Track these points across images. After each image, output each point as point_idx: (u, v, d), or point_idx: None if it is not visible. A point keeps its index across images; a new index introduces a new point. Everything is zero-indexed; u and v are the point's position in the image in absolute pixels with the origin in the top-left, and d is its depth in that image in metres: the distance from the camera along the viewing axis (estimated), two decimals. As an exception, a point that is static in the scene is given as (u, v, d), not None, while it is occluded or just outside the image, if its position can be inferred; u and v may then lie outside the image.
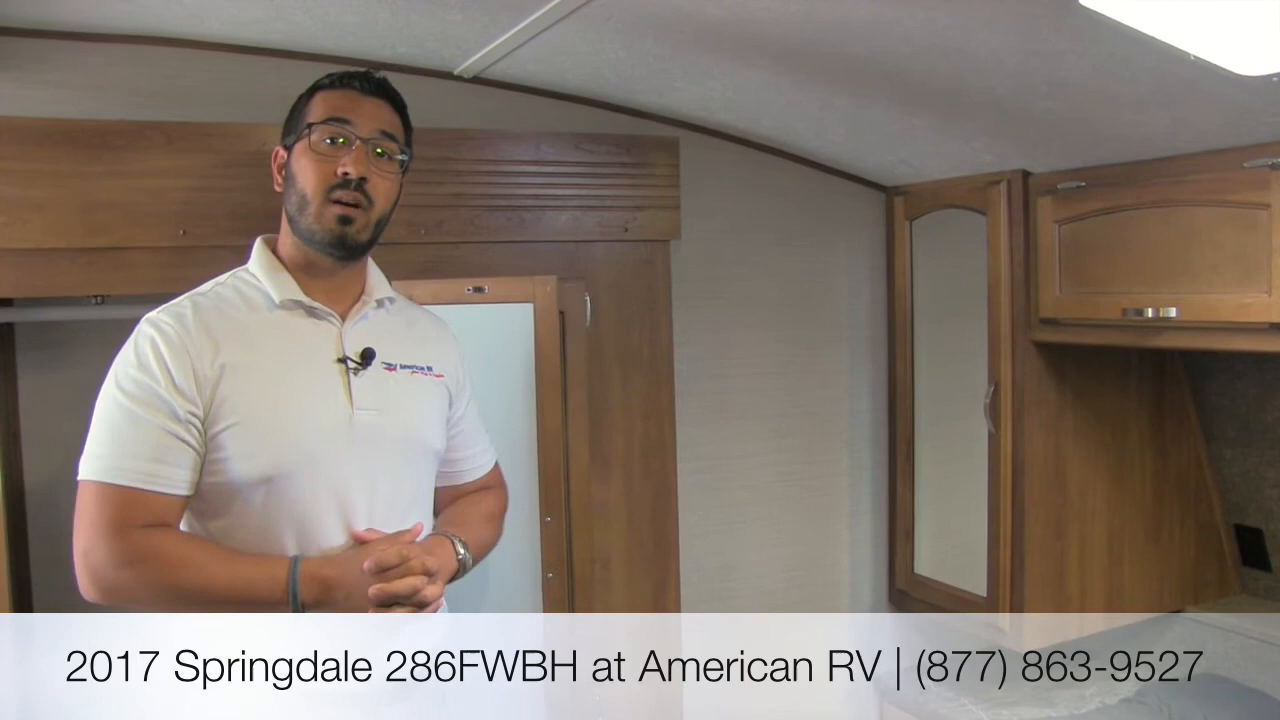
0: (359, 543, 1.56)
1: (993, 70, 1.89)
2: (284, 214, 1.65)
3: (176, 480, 1.48)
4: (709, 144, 2.77)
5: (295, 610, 1.48)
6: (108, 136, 1.97)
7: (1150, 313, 2.13)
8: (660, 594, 2.51)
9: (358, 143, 1.60)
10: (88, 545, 1.45)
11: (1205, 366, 2.72)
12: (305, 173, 1.59)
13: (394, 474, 1.63)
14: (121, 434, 1.47)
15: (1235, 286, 1.98)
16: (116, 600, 1.46)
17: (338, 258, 1.63)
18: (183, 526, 1.55)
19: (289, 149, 1.64)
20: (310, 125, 1.61)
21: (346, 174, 1.57)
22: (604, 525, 2.43)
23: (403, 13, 2.03)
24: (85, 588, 1.46)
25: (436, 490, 1.81)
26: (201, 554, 1.49)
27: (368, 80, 1.66)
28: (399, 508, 1.63)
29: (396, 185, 1.67)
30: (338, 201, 1.58)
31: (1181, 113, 1.91)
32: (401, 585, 1.51)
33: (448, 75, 2.43)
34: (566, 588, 2.25)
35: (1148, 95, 1.87)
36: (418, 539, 1.63)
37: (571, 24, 1.96)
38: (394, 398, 1.64)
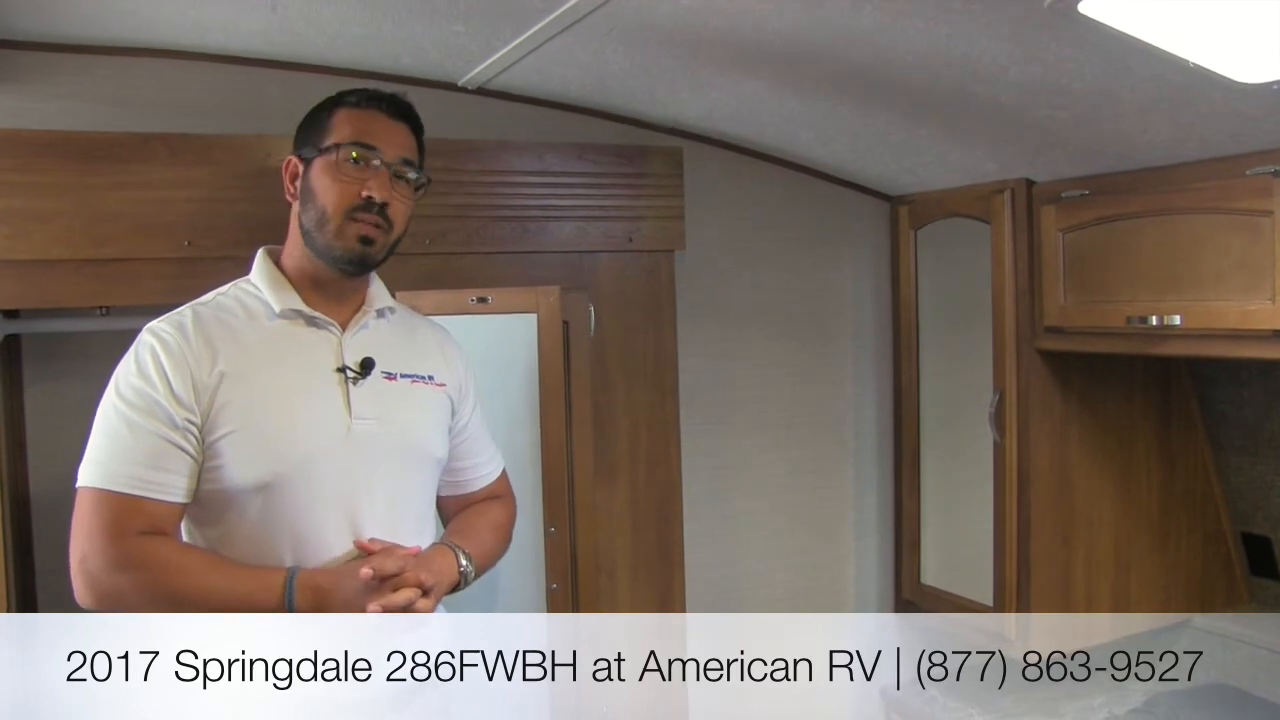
0: (362, 550, 1.56)
1: (995, 79, 1.90)
2: (295, 226, 1.65)
3: (174, 487, 1.49)
4: (713, 154, 2.77)
5: None
6: (112, 148, 1.98)
7: (1154, 320, 2.13)
8: (664, 604, 2.50)
9: (382, 168, 1.60)
10: (84, 551, 1.45)
11: (1211, 375, 2.70)
12: (327, 191, 1.59)
13: (393, 483, 1.63)
14: (120, 441, 1.48)
15: (1239, 294, 1.98)
16: (111, 607, 1.46)
17: (350, 274, 1.64)
18: (181, 534, 1.55)
19: (306, 161, 1.63)
20: (337, 145, 1.60)
21: (370, 198, 1.58)
22: (608, 535, 2.42)
23: (406, 24, 2.04)
24: (81, 594, 1.46)
25: (445, 499, 1.82)
26: (198, 562, 1.50)
27: (394, 104, 1.66)
28: (398, 516, 1.63)
29: (412, 207, 1.69)
30: (359, 221, 1.59)
31: (1183, 121, 1.91)
32: (396, 598, 1.51)
33: (452, 86, 2.44)
34: (571, 598, 2.24)
35: (1149, 103, 1.87)
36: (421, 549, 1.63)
37: (574, 35, 1.97)
38: (393, 407, 1.64)
